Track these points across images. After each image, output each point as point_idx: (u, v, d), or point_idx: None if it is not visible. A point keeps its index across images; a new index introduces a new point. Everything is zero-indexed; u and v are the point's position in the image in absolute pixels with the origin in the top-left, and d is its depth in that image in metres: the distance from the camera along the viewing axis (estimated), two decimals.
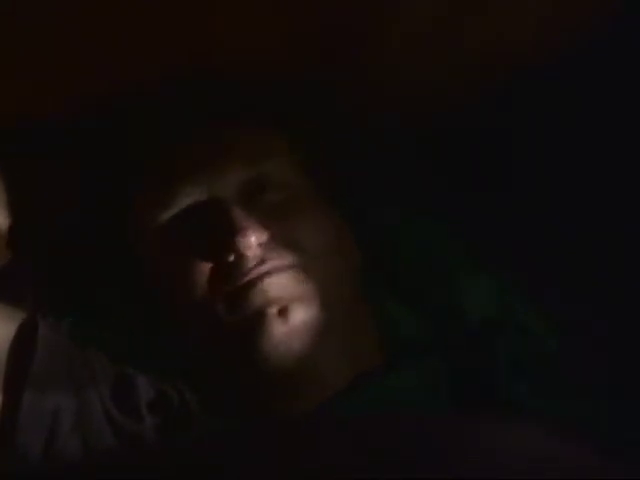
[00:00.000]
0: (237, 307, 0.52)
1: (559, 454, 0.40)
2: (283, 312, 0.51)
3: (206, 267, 0.53)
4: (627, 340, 0.59)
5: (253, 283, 0.52)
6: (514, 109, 0.67)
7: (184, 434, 0.51)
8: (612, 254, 0.63)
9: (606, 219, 0.64)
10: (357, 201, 0.61)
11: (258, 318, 0.51)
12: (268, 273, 0.52)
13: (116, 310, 0.62)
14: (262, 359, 0.52)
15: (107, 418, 0.51)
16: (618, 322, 0.59)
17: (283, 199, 0.56)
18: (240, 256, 0.52)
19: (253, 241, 0.52)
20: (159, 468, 0.40)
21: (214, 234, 0.53)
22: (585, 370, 0.56)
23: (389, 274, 0.62)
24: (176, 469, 0.41)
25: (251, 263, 0.52)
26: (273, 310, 0.51)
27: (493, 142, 0.69)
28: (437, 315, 0.61)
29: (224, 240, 0.52)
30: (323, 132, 0.63)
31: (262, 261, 0.52)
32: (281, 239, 0.53)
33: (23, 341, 0.52)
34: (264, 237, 0.53)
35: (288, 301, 0.52)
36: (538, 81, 0.66)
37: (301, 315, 0.52)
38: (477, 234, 0.65)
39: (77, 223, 0.65)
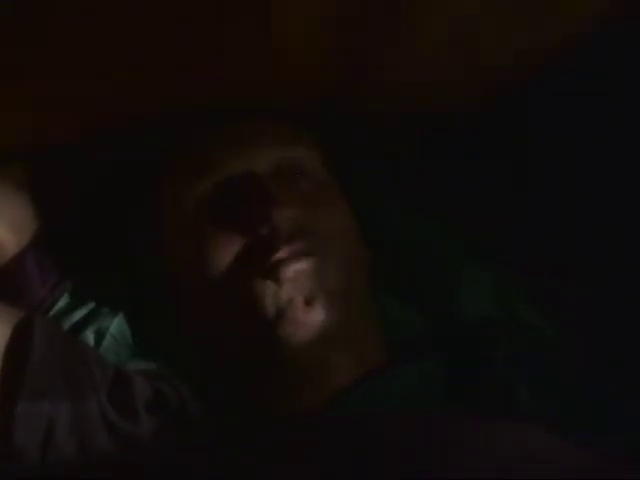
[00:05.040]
0: (269, 293, 0.51)
1: (559, 454, 0.40)
2: (310, 302, 0.51)
3: (238, 242, 0.52)
4: (627, 339, 0.59)
5: (286, 269, 0.51)
6: (514, 108, 0.67)
7: (182, 434, 0.51)
8: (613, 252, 0.63)
9: (607, 217, 0.64)
10: (357, 201, 0.61)
11: (288, 306, 0.51)
12: (296, 256, 0.51)
13: (117, 299, 0.61)
14: (282, 345, 0.51)
15: (104, 419, 0.50)
16: (619, 321, 0.59)
17: (313, 186, 0.56)
18: (274, 229, 0.51)
19: (287, 214, 0.51)
20: (156, 469, 0.40)
21: (248, 206, 0.52)
22: (585, 369, 0.55)
23: (389, 274, 0.62)
24: (174, 469, 0.40)
25: (283, 238, 0.51)
26: (300, 298, 0.51)
27: (493, 141, 0.69)
28: (437, 314, 0.61)
29: (259, 211, 0.51)
30: (324, 132, 0.63)
31: (292, 239, 0.52)
32: (310, 224, 0.53)
33: (19, 341, 0.52)
34: (297, 213, 0.52)
35: (315, 292, 0.51)
36: (537, 81, 0.66)
37: (325, 308, 0.51)
38: (477, 233, 0.65)
39: (88, 212, 0.65)
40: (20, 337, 0.52)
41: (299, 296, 0.51)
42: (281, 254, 0.51)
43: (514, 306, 0.61)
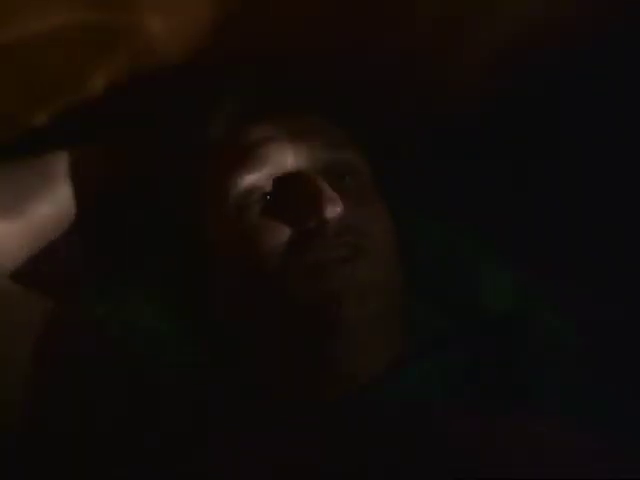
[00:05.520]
0: (314, 284, 0.51)
1: (575, 453, 0.40)
2: (361, 299, 0.51)
3: (285, 233, 0.53)
4: (627, 339, 0.59)
5: (332, 263, 0.52)
6: (514, 108, 0.67)
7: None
8: (613, 252, 0.63)
9: (607, 217, 0.64)
10: None
11: (336, 298, 0.51)
12: (346, 256, 0.52)
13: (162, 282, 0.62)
14: (326, 340, 0.52)
15: None
16: (619, 321, 0.59)
17: (359, 187, 0.57)
18: (322, 224, 0.52)
19: (337, 211, 0.52)
20: None
21: (299, 201, 0.53)
22: (601, 368, 0.55)
23: (407, 270, 0.62)
24: None
25: (330, 234, 0.52)
26: (351, 294, 0.51)
27: (493, 141, 0.69)
28: (455, 310, 0.61)
29: (310, 206, 0.52)
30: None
31: (338, 235, 0.53)
32: (355, 223, 0.54)
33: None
34: (344, 212, 0.53)
35: (365, 290, 0.52)
36: (537, 81, 0.66)
37: (374, 306, 0.52)
38: (494, 229, 0.64)
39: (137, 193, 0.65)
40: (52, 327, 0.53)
41: (350, 290, 0.51)
42: (327, 249, 0.52)
43: (531, 303, 0.61)
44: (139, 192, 0.65)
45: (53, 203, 0.60)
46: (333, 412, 0.46)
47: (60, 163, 0.61)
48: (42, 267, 0.61)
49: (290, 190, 0.54)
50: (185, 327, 0.59)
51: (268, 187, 0.56)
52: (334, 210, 0.52)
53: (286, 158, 0.56)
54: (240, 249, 0.55)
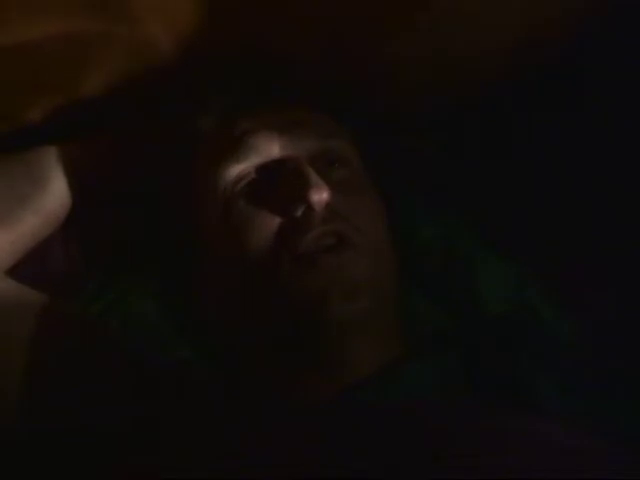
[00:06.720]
0: (302, 278, 0.51)
1: (575, 453, 0.40)
2: (348, 296, 0.51)
3: (274, 222, 0.53)
4: (629, 338, 0.59)
5: (319, 254, 0.52)
6: (514, 106, 0.67)
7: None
8: (629, 252, 0.63)
9: (621, 218, 0.64)
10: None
11: (322, 296, 0.51)
12: (332, 245, 0.52)
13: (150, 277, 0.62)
14: (314, 337, 0.52)
15: None
16: (634, 320, 0.59)
17: (348, 176, 0.58)
18: (309, 210, 0.52)
19: (324, 197, 0.52)
20: None
21: (286, 188, 0.54)
22: (601, 368, 0.55)
23: (406, 266, 0.62)
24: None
25: (317, 221, 0.53)
26: (337, 291, 0.51)
27: (496, 140, 0.69)
28: (455, 307, 0.61)
29: (297, 193, 0.53)
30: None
31: (326, 224, 0.53)
32: (343, 211, 0.54)
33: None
34: (331, 199, 0.53)
35: (354, 285, 0.52)
36: (537, 80, 0.66)
37: (363, 302, 0.52)
38: (494, 229, 0.65)
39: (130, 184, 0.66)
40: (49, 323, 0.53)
41: (337, 287, 0.51)
42: (315, 234, 0.52)
43: (532, 299, 0.61)
44: (137, 189, 0.65)
45: (50, 200, 0.60)
46: (330, 411, 0.46)
47: (58, 159, 0.61)
48: (39, 265, 0.61)
49: (277, 178, 0.55)
50: (184, 325, 0.59)
51: (256, 176, 0.56)
52: (321, 196, 0.52)
53: (274, 147, 0.56)
54: (231, 241, 0.55)
